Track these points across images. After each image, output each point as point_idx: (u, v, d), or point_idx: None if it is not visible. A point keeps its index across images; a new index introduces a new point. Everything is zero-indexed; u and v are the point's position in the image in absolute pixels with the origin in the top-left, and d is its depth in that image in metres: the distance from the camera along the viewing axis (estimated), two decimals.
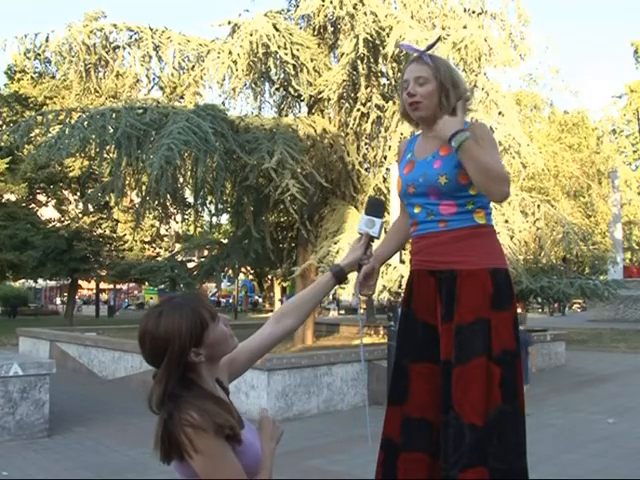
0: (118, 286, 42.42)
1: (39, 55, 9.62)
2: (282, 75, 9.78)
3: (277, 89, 10.38)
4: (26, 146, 16.47)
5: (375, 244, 2.21)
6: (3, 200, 23.74)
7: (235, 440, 1.48)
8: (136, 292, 50.85)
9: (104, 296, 44.72)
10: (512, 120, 9.46)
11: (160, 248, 31.32)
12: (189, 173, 9.41)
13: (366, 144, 10.08)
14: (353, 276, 2.22)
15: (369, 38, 8.51)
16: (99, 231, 24.96)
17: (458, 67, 9.34)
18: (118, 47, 9.66)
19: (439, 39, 2.28)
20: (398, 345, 2.32)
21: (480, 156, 2.08)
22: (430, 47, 2.26)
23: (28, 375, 5.23)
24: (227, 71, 9.31)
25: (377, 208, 2.14)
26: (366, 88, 9.26)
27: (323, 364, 6.37)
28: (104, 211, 23.71)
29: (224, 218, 15.20)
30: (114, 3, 59.06)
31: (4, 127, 23.08)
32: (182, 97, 12.27)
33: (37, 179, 23.58)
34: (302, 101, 10.40)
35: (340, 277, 2.00)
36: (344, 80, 9.22)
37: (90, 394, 7.42)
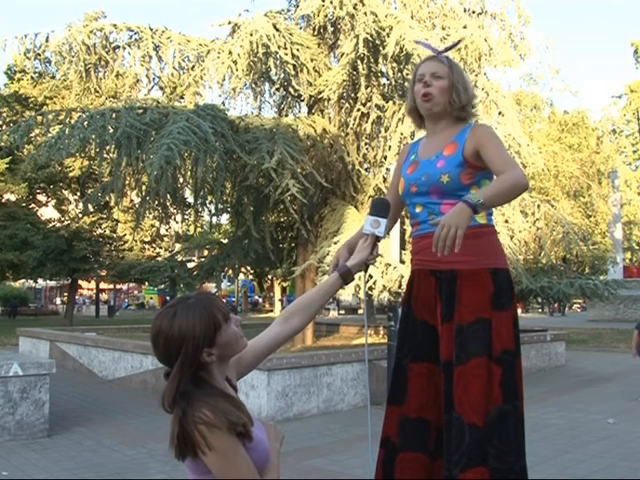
0: (118, 286, 42.42)
1: (39, 55, 9.61)
2: (282, 75, 9.77)
3: (277, 89, 10.38)
4: (26, 146, 16.48)
5: (380, 244, 2.22)
6: (3, 200, 23.73)
7: (246, 437, 1.51)
8: (136, 292, 50.87)
9: (104, 296, 44.70)
10: (512, 120, 9.46)
11: (160, 248, 31.33)
12: (189, 173, 9.40)
13: (366, 144, 10.07)
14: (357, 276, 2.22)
15: (369, 38, 8.51)
16: (99, 231, 24.96)
17: None
18: (118, 47, 9.65)
19: (459, 42, 2.37)
20: (398, 345, 2.33)
21: (498, 192, 2.08)
22: (449, 49, 2.36)
23: (28, 375, 5.23)
24: (227, 71, 9.31)
25: (382, 208, 2.15)
26: (366, 88, 9.26)
27: (323, 364, 6.37)
28: (104, 211, 23.70)
29: (224, 218, 15.21)
30: (114, 3, 59.08)
31: (4, 127, 23.09)
32: (182, 97, 12.26)
33: (37, 179, 23.57)
34: (302, 101, 10.40)
35: (347, 277, 2.01)
36: (344, 80, 9.22)
37: (90, 394, 7.42)
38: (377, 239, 2.09)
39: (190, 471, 1.54)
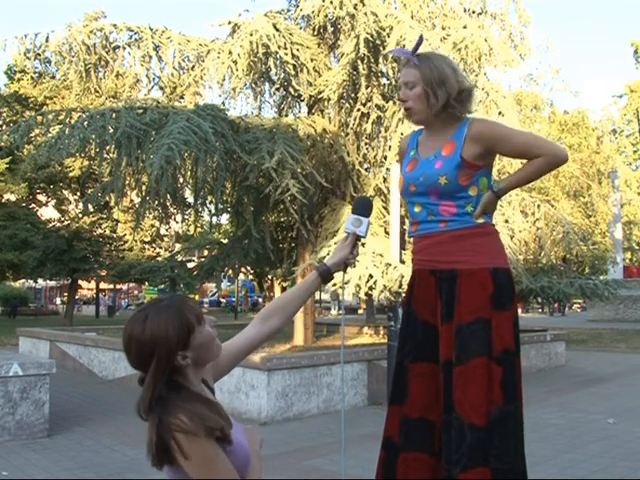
0: (118, 286, 42.40)
1: (39, 55, 9.60)
2: (282, 75, 9.77)
3: (277, 89, 10.38)
4: (26, 146, 16.48)
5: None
6: (3, 200, 23.72)
7: (225, 441, 1.48)
8: (136, 292, 50.84)
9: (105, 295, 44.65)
10: (512, 120, 9.45)
11: (160, 248, 31.32)
12: (189, 173, 9.40)
13: (366, 144, 10.07)
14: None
15: (369, 38, 8.51)
16: (99, 231, 24.94)
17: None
18: (118, 47, 9.65)
19: (421, 39, 2.28)
20: (399, 345, 2.33)
21: (523, 177, 2.24)
22: (415, 49, 2.26)
23: (28, 375, 5.22)
24: (227, 71, 9.31)
25: (364, 207, 2.13)
26: (366, 88, 9.26)
27: (323, 364, 6.36)
28: (104, 211, 23.69)
29: (224, 218, 15.20)
30: (114, 3, 59.08)
31: (4, 127, 23.10)
32: (182, 97, 12.26)
33: (37, 179, 23.56)
34: (302, 101, 10.40)
35: (326, 276, 1.98)
36: (344, 80, 9.22)
37: (90, 394, 7.42)
38: (358, 238, 2.07)
39: (170, 478, 1.50)
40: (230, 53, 9.15)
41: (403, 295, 2.50)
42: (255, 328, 1.87)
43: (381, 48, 8.66)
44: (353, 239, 2.06)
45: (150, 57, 9.54)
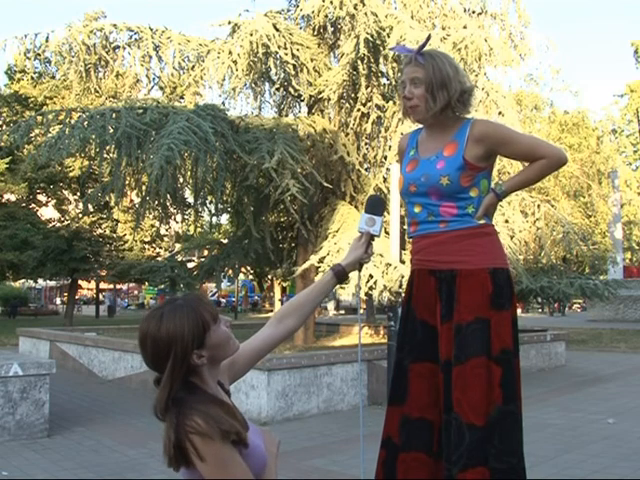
0: (118, 286, 42.39)
1: (39, 55, 9.61)
2: (282, 75, 9.78)
3: (277, 89, 10.38)
4: (26, 146, 16.45)
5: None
6: (3, 200, 23.71)
7: (241, 444, 1.47)
8: (136, 292, 50.85)
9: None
10: (512, 120, 9.44)
11: (160, 248, 31.29)
12: (189, 173, 9.40)
13: (366, 144, 10.08)
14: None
15: (370, 38, 8.51)
16: (99, 231, 24.93)
17: None
18: (118, 47, 9.66)
19: (429, 38, 2.25)
20: (398, 345, 2.32)
21: (525, 180, 2.27)
22: (422, 47, 2.23)
23: (28, 375, 5.22)
24: (227, 71, 9.31)
25: (377, 206, 2.13)
26: (366, 88, 9.26)
27: (323, 364, 6.36)
28: (104, 211, 23.67)
29: (224, 218, 15.20)
30: (114, 3, 59.06)
31: (4, 127, 23.07)
32: (182, 97, 12.29)
33: (37, 179, 23.53)
34: (302, 101, 10.40)
35: (341, 276, 1.99)
36: (344, 80, 9.22)
37: (90, 394, 7.42)
38: (372, 237, 2.07)
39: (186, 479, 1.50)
40: (230, 53, 9.16)
41: (403, 295, 2.50)
42: (271, 329, 1.86)
43: (381, 48, 8.67)
44: (367, 238, 2.06)
45: (150, 57, 9.55)
